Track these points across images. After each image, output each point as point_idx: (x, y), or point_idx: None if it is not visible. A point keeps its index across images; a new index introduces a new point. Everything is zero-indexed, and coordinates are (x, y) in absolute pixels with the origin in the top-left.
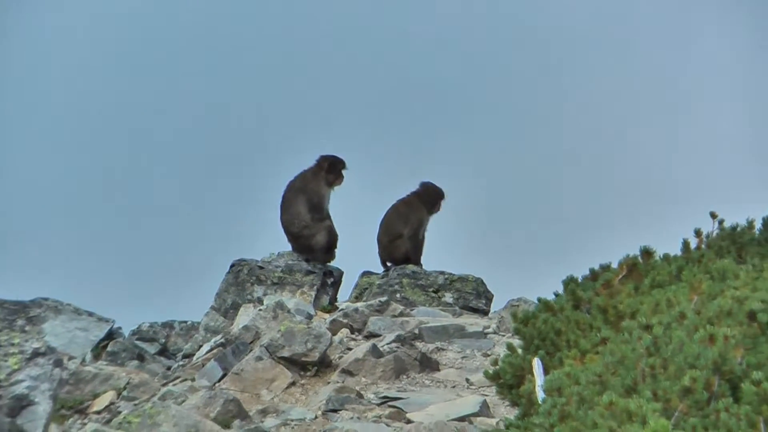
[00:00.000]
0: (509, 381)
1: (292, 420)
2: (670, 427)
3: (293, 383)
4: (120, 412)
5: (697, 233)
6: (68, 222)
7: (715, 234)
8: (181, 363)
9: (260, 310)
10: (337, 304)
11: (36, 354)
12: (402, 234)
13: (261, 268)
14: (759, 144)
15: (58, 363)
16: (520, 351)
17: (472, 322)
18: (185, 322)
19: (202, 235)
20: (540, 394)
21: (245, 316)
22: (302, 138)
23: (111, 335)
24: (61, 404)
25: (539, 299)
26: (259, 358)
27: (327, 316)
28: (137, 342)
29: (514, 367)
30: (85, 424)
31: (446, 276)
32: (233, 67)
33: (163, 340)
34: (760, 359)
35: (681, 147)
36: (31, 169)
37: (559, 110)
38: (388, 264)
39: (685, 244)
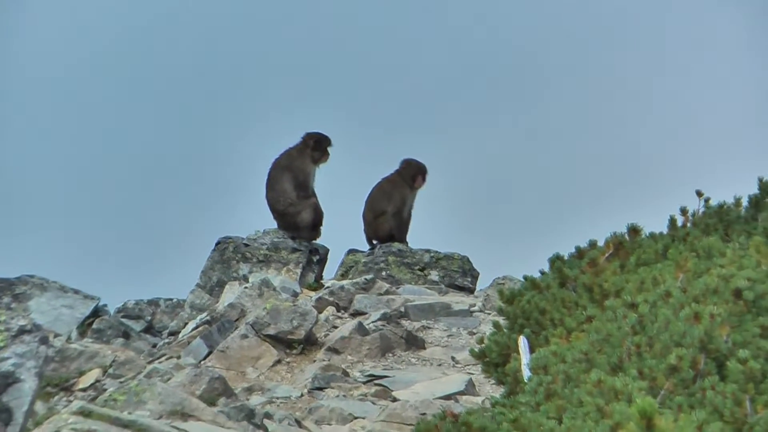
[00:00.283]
0: (495, 359)
1: (277, 398)
2: (656, 405)
3: (279, 361)
4: (105, 390)
5: (683, 211)
6: (53, 201)
7: (701, 212)
8: (166, 341)
9: (246, 287)
10: (322, 281)
11: (22, 331)
12: (386, 211)
13: (246, 245)
14: (745, 121)
15: (44, 340)
16: (505, 329)
17: (457, 300)
18: (171, 299)
19: (187, 213)
20: (526, 373)
21: (231, 293)
22: (288, 116)
23: (97, 313)
24: (46, 382)
25: (525, 277)
26: (245, 336)
27: (313, 293)
28: (123, 319)
29: (499, 346)
30: (70, 401)
31: (432, 254)
32: (216, 47)
33: (149, 318)
34: (746, 337)
35: (668, 125)
36: (12, 151)
37: (547, 88)
38: (374, 242)
39: (672, 222)
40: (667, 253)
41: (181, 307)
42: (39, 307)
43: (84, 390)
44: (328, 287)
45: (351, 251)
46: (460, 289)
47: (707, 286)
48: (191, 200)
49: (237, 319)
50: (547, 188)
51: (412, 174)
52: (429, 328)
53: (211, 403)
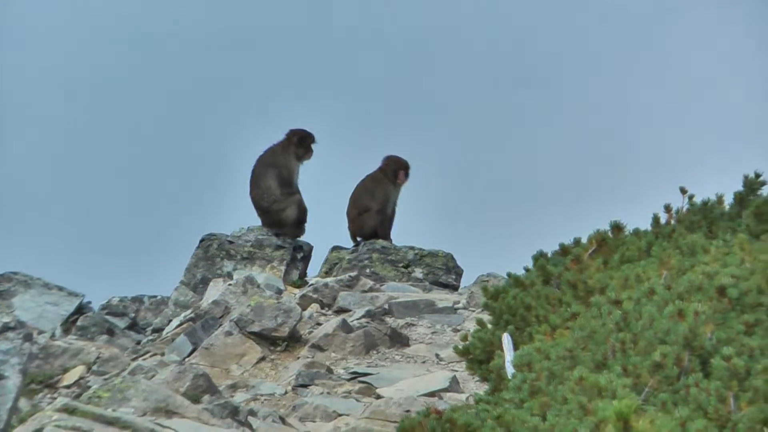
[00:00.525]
0: (479, 356)
1: (261, 395)
2: (633, 406)
3: (263, 358)
4: (90, 387)
5: (667, 208)
6: (38, 197)
7: (685, 209)
8: (150, 338)
9: (230, 284)
10: (306, 279)
11: (5, 328)
12: (370, 208)
13: (231, 242)
14: (732, 119)
15: (28, 337)
16: (489, 326)
17: (442, 298)
18: (155, 296)
19: (171, 210)
20: (509, 370)
21: (215, 290)
22: (272, 112)
23: (81, 309)
24: (30, 378)
25: (509, 274)
26: (229, 333)
27: (297, 291)
28: (107, 316)
29: (483, 343)
30: (54, 398)
31: (416, 251)
32: (203, 41)
33: (133, 315)
34: (730, 334)
35: (653, 122)
36: None
37: (532, 83)
38: (358, 239)
39: (655, 219)
40: (651, 250)
41: (166, 304)
42: (23, 304)
43: (68, 387)
44: (312, 284)
45: (335, 248)
46: (444, 286)
47: (691, 284)
48: (175, 197)
49: (221, 317)
50: (530, 186)
51: (394, 170)
52: (413, 325)
53: (195, 400)
